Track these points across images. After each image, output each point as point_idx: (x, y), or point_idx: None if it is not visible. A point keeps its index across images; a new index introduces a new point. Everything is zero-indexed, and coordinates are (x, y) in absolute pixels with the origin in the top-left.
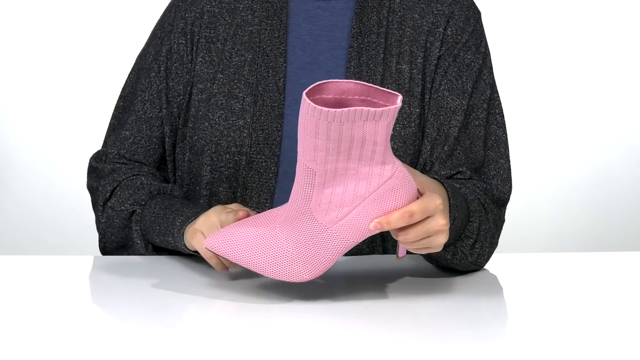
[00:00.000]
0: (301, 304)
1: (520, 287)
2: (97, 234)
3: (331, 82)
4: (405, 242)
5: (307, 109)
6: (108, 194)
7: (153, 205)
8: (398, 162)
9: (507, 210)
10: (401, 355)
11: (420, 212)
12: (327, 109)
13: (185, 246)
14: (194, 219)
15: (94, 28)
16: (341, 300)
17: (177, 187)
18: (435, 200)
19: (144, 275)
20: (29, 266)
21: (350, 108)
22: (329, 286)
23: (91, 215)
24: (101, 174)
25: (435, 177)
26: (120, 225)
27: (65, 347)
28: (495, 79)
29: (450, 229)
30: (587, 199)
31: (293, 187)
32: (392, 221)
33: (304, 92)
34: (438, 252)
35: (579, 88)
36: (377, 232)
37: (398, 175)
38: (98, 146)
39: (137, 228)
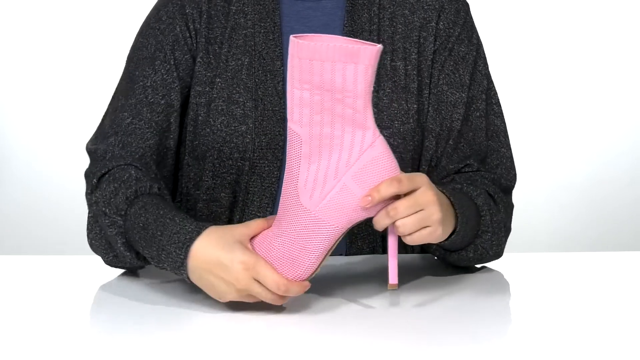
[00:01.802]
0: (299, 303)
1: (520, 286)
2: None
3: (313, 36)
4: (397, 217)
5: (293, 48)
6: (95, 180)
7: (133, 219)
8: (381, 136)
9: None
10: (401, 355)
11: (407, 180)
12: (307, 42)
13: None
14: (181, 255)
15: (92, 27)
16: (339, 299)
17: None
18: (421, 175)
19: (144, 275)
20: (29, 266)
21: (330, 43)
22: (328, 286)
23: None
24: (94, 156)
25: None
26: (104, 232)
27: (65, 347)
28: (495, 80)
29: (465, 229)
30: (587, 199)
31: (285, 172)
32: (381, 189)
33: (292, 36)
34: (460, 254)
35: (578, 88)
36: (368, 210)
37: (378, 146)
38: None
39: (124, 240)
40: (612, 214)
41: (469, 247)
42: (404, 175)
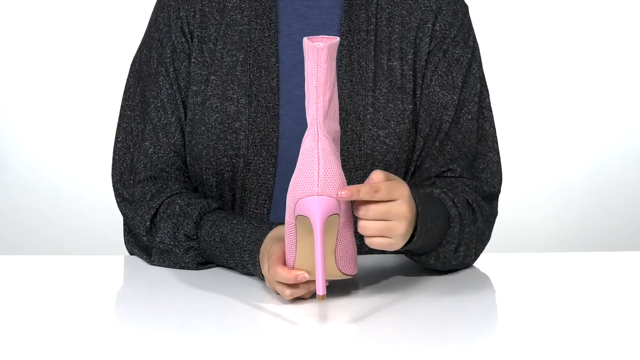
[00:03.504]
0: (295, 302)
1: (520, 287)
2: (96, 234)
3: (323, 38)
4: (365, 218)
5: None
6: (148, 223)
7: (207, 238)
8: (315, 135)
9: (506, 211)
10: (400, 355)
11: (386, 191)
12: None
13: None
14: (257, 251)
15: (93, 29)
16: (336, 298)
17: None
18: (402, 188)
19: (143, 275)
20: (29, 266)
21: (306, 38)
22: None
23: (90, 215)
24: (132, 199)
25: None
26: (177, 261)
27: (65, 347)
28: (495, 80)
29: (423, 239)
30: (587, 199)
31: None
32: (361, 191)
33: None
34: (420, 258)
35: (578, 88)
36: (346, 199)
37: (304, 142)
38: (97, 146)
39: (202, 260)
40: (611, 214)
41: (430, 253)
42: (385, 186)
